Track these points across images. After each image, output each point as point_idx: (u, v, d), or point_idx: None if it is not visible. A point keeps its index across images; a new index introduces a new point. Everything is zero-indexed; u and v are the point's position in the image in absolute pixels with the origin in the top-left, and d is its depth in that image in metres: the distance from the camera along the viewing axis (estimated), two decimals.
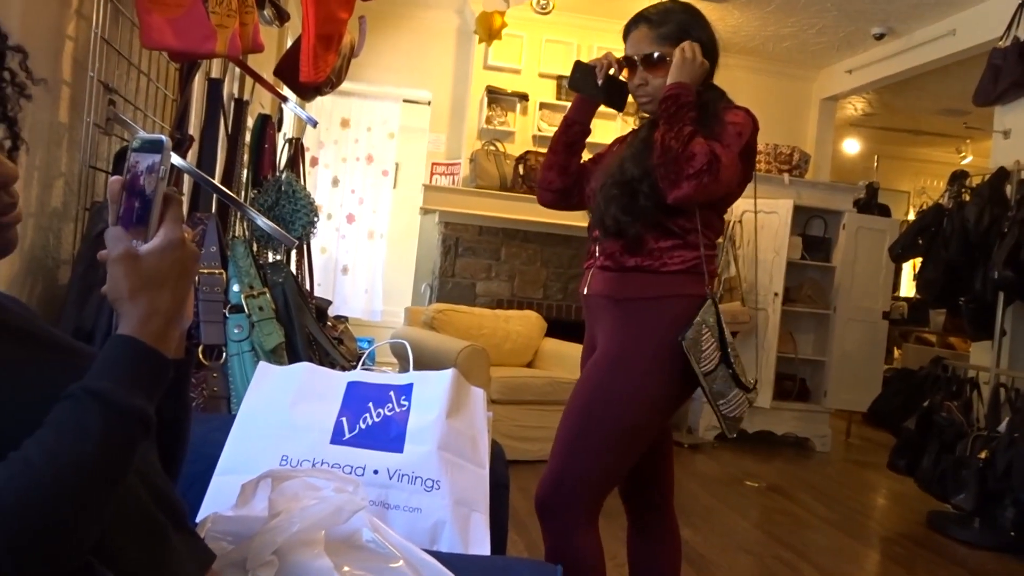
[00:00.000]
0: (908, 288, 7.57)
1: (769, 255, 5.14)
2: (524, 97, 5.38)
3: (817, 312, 5.35)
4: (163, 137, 0.77)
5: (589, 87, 1.76)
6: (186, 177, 1.98)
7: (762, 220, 5.15)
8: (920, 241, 4.21)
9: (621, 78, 1.78)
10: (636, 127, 1.90)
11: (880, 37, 5.22)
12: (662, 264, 1.67)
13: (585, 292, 1.79)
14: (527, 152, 5.24)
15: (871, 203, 6.09)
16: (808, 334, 5.46)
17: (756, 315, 5.12)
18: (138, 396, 0.72)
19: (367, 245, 6.53)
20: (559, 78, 5.42)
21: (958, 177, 4.15)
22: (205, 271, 1.71)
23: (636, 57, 1.73)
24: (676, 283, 1.67)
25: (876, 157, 6.84)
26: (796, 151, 5.43)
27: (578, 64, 1.78)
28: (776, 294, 5.07)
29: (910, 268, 6.91)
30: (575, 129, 1.85)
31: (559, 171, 1.85)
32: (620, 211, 1.67)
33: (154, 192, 0.76)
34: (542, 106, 5.42)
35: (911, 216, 7.55)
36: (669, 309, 1.66)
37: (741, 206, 5.20)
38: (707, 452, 4.89)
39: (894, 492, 4.40)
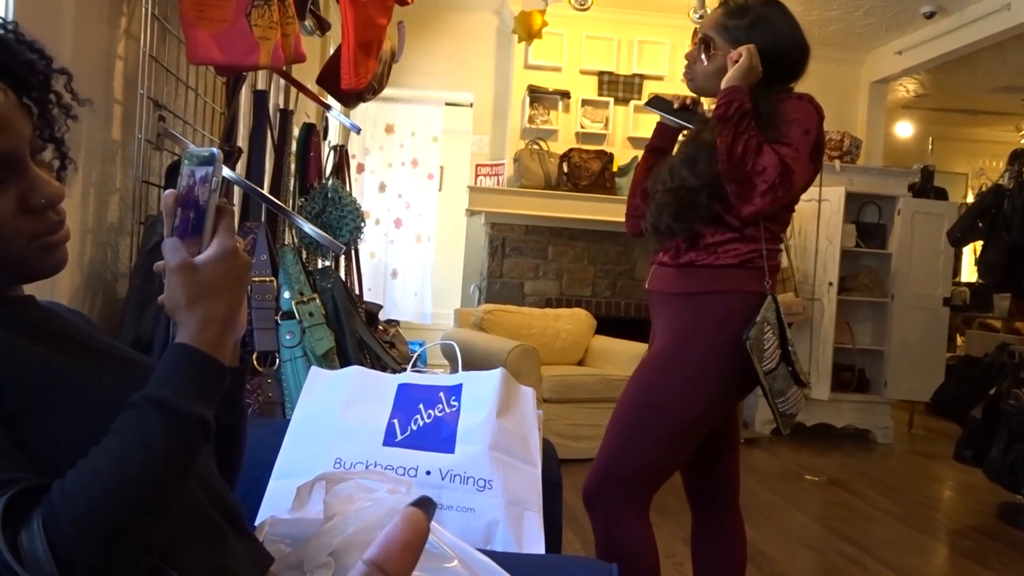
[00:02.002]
0: (969, 273, 7.34)
1: (822, 244, 5.03)
2: (566, 95, 5.36)
3: (874, 301, 5.22)
4: (215, 150, 0.79)
5: (663, 107, 1.84)
6: (236, 188, 2.02)
7: (814, 208, 5.04)
8: (980, 224, 4.08)
9: (698, 110, 1.84)
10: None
11: (930, 15, 5.06)
12: (715, 258, 1.64)
13: (647, 287, 1.81)
14: (571, 149, 5.22)
15: (927, 187, 5.91)
16: (865, 323, 5.33)
17: (810, 306, 5.02)
18: (197, 403, 0.73)
19: (415, 249, 6.58)
20: (600, 74, 5.39)
21: (1018, 156, 4.00)
22: (256, 279, 1.74)
23: (700, 32, 1.75)
24: (730, 278, 1.64)
25: (931, 139, 6.64)
26: (846, 137, 5.30)
27: (655, 94, 1.90)
28: (831, 283, 4.96)
29: (971, 252, 6.69)
30: (655, 156, 1.86)
31: (644, 196, 1.84)
32: (673, 219, 1.67)
33: (207, 203, 0.78)
34: (584, 103, 5.39)
35: (970, 199, 7.32)
36: (722, 305, 1.64)
37: None
38: (764, 447, 4.81)
39: (961, 484, 4.27)
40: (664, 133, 1.88)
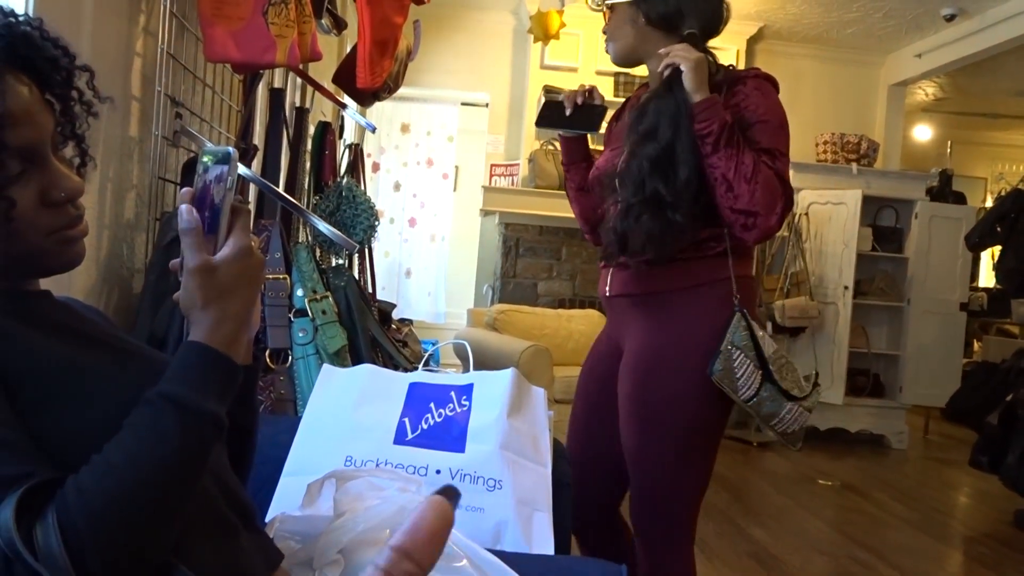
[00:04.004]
0: (987, 278, 7.27)
1: (838, 247, 5.00)
2: None
3: (890, 305, 5.18)
4: (230, 149, 0.79)
5: (556, 121, 1.64)
6: (251, 185, 2.03)
7: (830, 211, 5.01)
8: (999, 229, 4.04)
9: (595, 103, 1.64)
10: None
11: (951, 18, 5.01)
12: (696, 250, 1.53)
13: (608, 293, 1.66)
14: None
15: (945, 191, 5.86)
16: (881, 328, 5.29)
17: (825, 309, 4.99)
18: (211, 400, 0.74)
19: (429, 248, 6.59)
20: (616, 75, 5.38)
21: None
22: (270, 276, 1.74)
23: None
24: (712, 268, 1.53)
25: (949, 143, 6.58)
26: (864, 140, 5.27)
27: (545, 103, 1.67)
28: (846, 287, 4.93)
29: (988, 257, 6.62)
30: (575, 172, 1.75)
31: (593, 209, 1.73)
32: (651, 244, 1.48)
33: (222, 203, 0.78)
34: None
35: (988, 203, 7.25)
36: (709, 295, 1.53)
37: (807, 198, 5.07)
38: (777, 450, 4.77)
39: (977, 490, 4.23)
40: (571, 146, 1.73)
